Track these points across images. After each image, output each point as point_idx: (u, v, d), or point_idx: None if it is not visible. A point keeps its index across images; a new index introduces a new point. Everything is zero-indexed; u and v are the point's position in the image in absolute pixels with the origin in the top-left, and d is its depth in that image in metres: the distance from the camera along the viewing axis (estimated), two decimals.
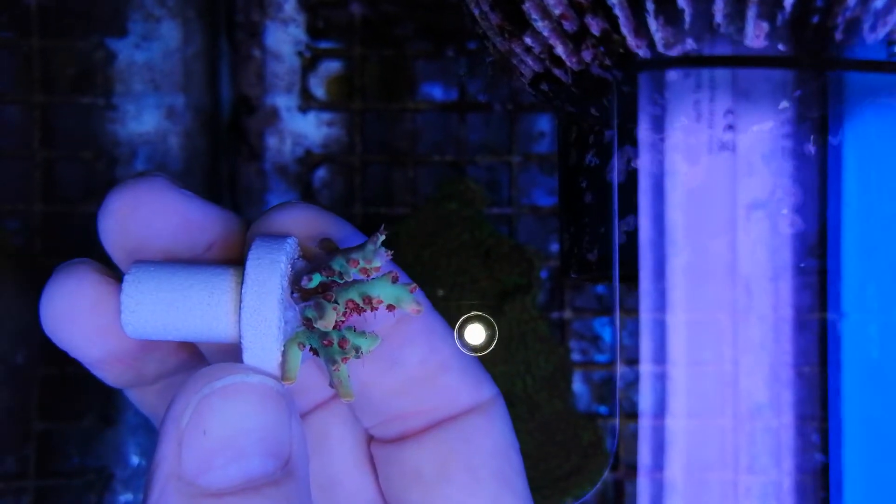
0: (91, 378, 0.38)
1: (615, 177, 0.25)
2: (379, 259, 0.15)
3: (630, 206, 0.25)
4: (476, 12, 0.23)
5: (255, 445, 0.14)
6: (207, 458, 0.14)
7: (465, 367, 0.17)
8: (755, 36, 0.22)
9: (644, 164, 0.26)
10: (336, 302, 0.15)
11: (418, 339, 0.17)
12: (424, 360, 0.17)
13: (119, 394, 0.36)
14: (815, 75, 0.28)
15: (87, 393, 0.36)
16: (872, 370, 0.33)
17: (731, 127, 0.28)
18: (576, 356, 0.37)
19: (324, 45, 0.37)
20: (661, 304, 0.29)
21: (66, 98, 0.36)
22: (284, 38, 0.37)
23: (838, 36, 0.23)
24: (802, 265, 0.28)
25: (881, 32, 0.23)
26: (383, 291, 0.15)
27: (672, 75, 0.26)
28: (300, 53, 0.36)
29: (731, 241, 0.28)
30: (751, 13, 0.21)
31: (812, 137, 0.27)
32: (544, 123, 0.37)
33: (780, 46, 0.23)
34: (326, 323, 0.15)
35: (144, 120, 0.36)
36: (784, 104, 0.26)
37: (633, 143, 0.25)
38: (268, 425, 0.14)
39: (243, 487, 0.14)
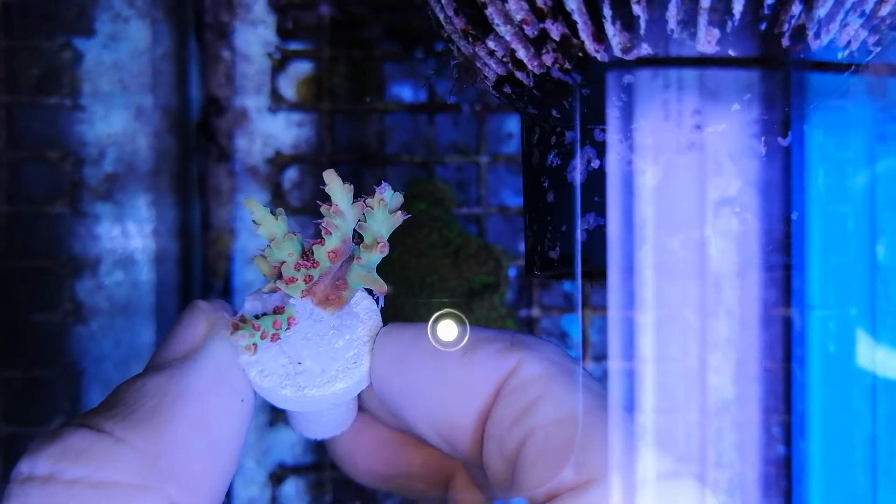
0: (59, 382, 0.37)
1: (577, 176, 0.26)
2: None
3: (590, 204, 0.26)
4: (441, 16, 0.24)
5: None
6: None
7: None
8: (706, 41, 0.23)
9: (612, 162, 0.27)
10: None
11: None
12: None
13: (87, 397, 0.36)
14: (779, 77, 0.29)
15: (54, 397, 0.35)
16: (830, 364, 0.34)
17: (698, 126, 0.29)
18: None
19: (293, 46, 0.37)
20: (629, 302, 0.29)
21: (32, 98, 0.36)
22: (254, 39, 0.37)
23: (785, 42, 0.24)
24: (769, 261, 0.29)
25: (825, 39, 0.24)
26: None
27: (640, 76, 0.27)
28: (269, 55, 0.37)
29: (699, 239, 0.29)
30: (702, 20, 0.22)
31: (778, 137, 0.28)
32: (513, 125, 0.38)
33: (731, 51, 0.23)
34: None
35: (112, 120, 0.36)
36: (750, 105, 0.26)
37: (594, 143, 0.26)
38: None
39: None
